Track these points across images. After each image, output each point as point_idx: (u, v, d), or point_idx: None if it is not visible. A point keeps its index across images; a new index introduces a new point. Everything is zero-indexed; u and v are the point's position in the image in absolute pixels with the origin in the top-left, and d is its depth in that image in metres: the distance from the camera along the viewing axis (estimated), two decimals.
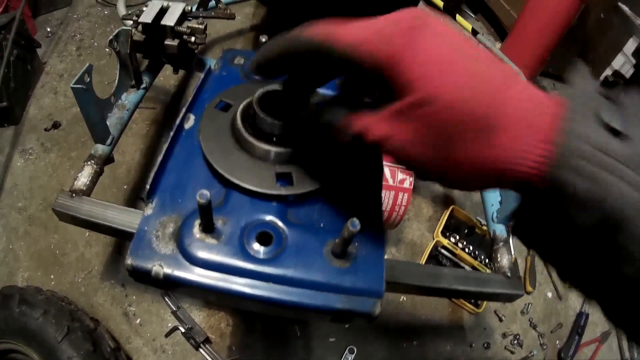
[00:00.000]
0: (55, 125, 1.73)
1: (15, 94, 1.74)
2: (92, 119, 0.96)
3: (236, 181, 0.55)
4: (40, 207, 1.51)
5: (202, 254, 0.51)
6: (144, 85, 1.15)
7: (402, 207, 1.44)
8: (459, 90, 0.35)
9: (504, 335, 1.54)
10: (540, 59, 2.32)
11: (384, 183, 1.28)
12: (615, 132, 0.32)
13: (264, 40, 0.73)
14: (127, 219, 0.82)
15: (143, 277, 0.53)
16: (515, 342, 1.52)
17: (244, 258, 0.51)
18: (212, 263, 0.51)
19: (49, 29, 2.15)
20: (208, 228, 0.52)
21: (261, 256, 0.51)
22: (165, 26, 1.08)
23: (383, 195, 1.32)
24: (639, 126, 0.32)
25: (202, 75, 0.72)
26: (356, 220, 0.47)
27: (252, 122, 0.58)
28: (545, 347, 1.55)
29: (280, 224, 0.54)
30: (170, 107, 1.88)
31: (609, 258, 0.32)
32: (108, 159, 1.04)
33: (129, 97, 1.11)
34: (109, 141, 1.03)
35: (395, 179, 1.32)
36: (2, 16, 1.75)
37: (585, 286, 0.37)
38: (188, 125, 0.66)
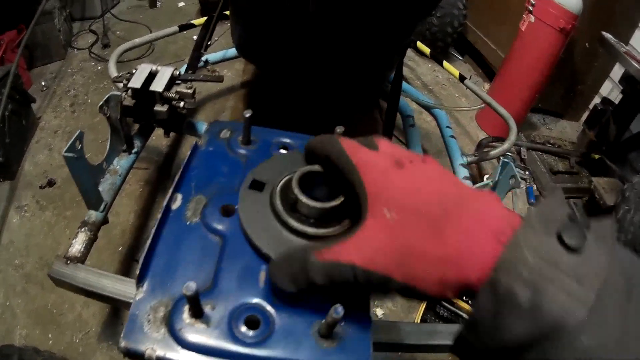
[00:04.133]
0: (50, 183, 1.75)
1: (11, 149, 1.77)
2: (85, 185, 0.98)
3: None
4: (37, 266, 1.52)
5: (192, 338, 0.53)
6: (135, 150, 1.17)
7: None
8: (420, 202, 0.40)
9: None
10: (529, 96, 2.38)
11: None
12: (570, 249, 0.33)
13: (247, 115, 0.75)
14: (122, 288, 0.84)
15: (137, 358, 0.54)
16: None
17: (233, 342, 0.52)
18: (202, 347, 0.52)
19: (43, 83, 2.19)
20: (197, 314, 0.54)
21: (250, 340, 0.53)
22: (154, 92, 1.11)
23: None
24: (595, 246, 0.33)
25: (188, 153, 0.75)
26: (339, 307, 0.49)
27: (293, 205, 0.60)
28: None
29: (267, 307, 0.55)
30: (163, 168, 1.91)
31: None
32: (101, 225, 1.06)
33: (121, 162, 1.13)
34: (102, 207, 1.05)
35: None
36: None
37: None
38: (175, 205, 0.67)
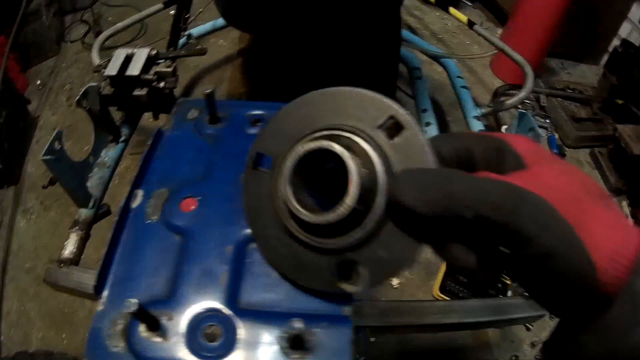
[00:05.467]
0: (52, 182, 1.69)
1: (11, 154, 1.74)
2: (70, 184, 0.92)
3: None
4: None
5: (149, 354, 0.47)
6: (123, 138, 1.11)
7: None
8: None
9: (533, 345, 1.43)
10: (545, 39, 2.22)
11: None
12: None
13: (207, 92, 0.67)
14: None
15: None
16: None
17: (191, 355, 0.47)
18: None
19: (38, 81, 2.15)
20: (153, 327, 0.48)
21: (209, 353, 0.47)
22: (130, 76, 1.04)
23: None
24: None
25: (149, 142, 0.67)
26: (297, 322, 0.42)
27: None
28: None
29: (230, 313, 0.49)
30: None
31: None
32: (94, 222, 1.02)
33: (109, 154, 1.07)
34: (91, 204, 1.00)
35: None
36: None
37: None
38: (135, 203, 0.61)
